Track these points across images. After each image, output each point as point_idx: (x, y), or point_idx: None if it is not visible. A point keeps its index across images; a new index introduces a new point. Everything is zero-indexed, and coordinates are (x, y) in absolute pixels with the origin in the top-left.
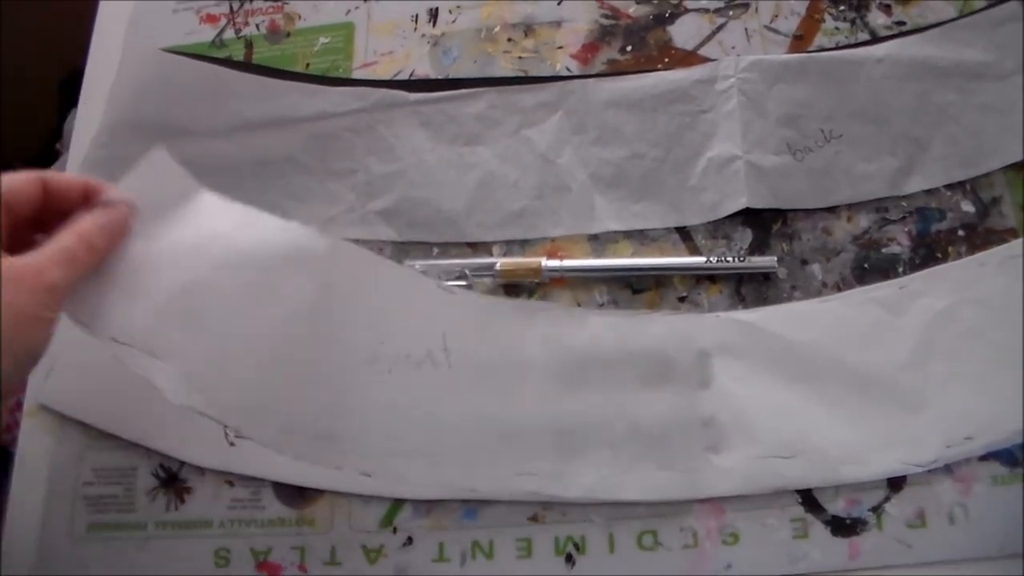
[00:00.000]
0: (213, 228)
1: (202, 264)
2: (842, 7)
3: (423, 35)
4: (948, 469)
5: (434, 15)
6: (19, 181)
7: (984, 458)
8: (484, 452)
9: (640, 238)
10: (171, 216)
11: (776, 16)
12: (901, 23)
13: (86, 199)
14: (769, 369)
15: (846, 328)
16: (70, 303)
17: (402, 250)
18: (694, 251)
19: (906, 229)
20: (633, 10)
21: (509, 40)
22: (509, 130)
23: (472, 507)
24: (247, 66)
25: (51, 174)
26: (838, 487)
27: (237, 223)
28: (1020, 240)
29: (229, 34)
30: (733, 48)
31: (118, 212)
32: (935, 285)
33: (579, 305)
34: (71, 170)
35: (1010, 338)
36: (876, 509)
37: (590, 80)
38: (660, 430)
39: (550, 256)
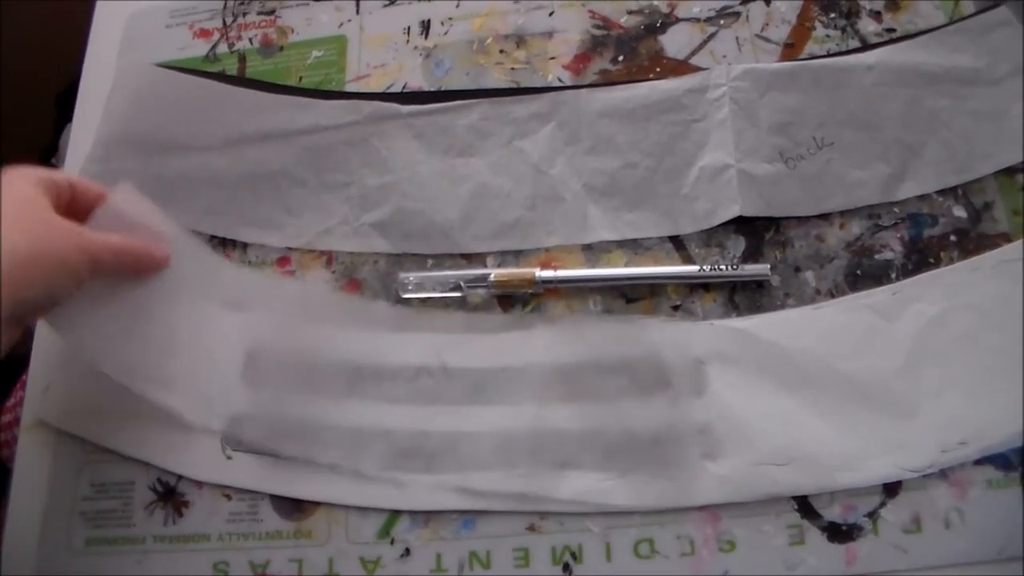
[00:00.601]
0: (203, 273)
1: (207, 304)
2: (832, 15)
3: (415, 47)
4: (943, 474)
5: (426, 27)
6: (61, 174)
7: (979, 462)
8: (477, 457)
9: (634, 247)
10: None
11: (767, 24)
12: (891, 30)
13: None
14: (763, 376)
15: (840, 335)
16: (94, 352)
17: (396, 262)
18: (687, 260)
19: (899, 235)
20: (624, 20)
21: (501, 51)
22: (502, 141)
23: (470, 517)
24: (240, 80)
25: (75, 177)
26: (834, 493)
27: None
28: (1012, 245)
29: (222, 48)
30: (724, 57)
31: (140, 247)
32: (928, 291)
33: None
34: None
35: (1004, 342)
36: (872, 515)
37: (582, 90)
38: (655, 438)
39: (544, 266)
